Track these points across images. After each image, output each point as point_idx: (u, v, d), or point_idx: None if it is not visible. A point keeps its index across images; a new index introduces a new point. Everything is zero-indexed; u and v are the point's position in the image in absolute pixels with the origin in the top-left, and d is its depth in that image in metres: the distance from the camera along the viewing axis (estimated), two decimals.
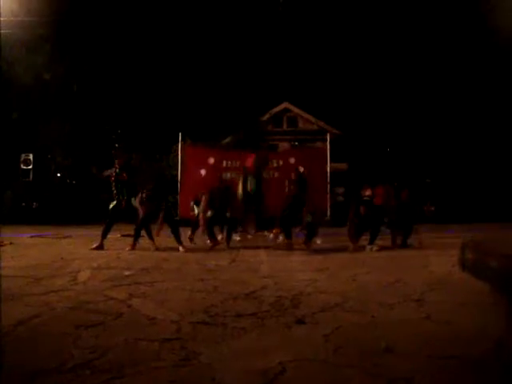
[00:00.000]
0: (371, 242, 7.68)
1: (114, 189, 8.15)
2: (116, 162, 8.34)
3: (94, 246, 7.77)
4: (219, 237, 8.80)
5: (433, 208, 21.16)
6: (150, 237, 8.00)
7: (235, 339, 2.64)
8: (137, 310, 3.36)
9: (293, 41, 26.18)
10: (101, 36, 21.12)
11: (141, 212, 8.02)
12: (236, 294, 3.89)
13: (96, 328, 2.84)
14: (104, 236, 7.92)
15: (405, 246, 8.23)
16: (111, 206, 8.15)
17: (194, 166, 12.40)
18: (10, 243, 8.47)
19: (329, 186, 11.75)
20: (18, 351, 2.45)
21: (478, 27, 20.42)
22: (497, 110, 22.12)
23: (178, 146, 12.96)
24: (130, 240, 8.10)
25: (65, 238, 10.50)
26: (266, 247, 8.16)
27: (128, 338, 2.62)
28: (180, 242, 7.87)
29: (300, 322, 2.98)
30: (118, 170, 8.20)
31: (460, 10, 22.13)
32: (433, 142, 22.46)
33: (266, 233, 9.86)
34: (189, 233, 9.18)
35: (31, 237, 10.53)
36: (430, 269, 5.57)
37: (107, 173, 8.09)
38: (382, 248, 7.68)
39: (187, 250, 7.72)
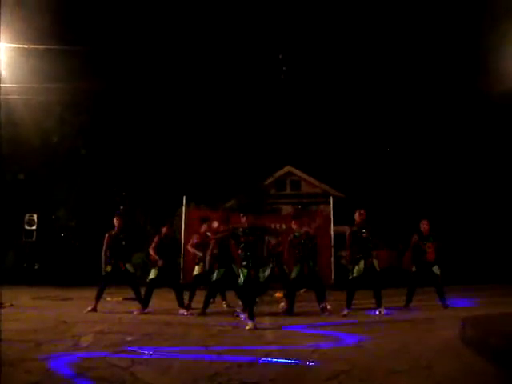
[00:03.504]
0: (379, 305, 7.58)
1: None
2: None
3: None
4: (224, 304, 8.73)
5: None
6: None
7: None
8: (139, 377, 3.29)
9: (295, 106, 26.88)
10: (108, 101, 21.84)
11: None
12: (240, 360, 3.81)
13: None
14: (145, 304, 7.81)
15: (406, 306, 8.16)
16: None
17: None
18: (11, 305, 8.37)
19: (333, 249, 11.72)
20: None
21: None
22: (495, 172, 22.34)
23: (181, 209, 13.06)
24: (132, 303, 8.03)
25: (67, 300, 10.36)
26: (270, 312, 7.99)
27: None
28: (183, 306, 7.76)
29: None
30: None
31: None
32: (435, 204, 22.48)
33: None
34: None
35: (32, 298, 10.40)
36: (436, 333, 5.44)
37: None
38: (389, 312, 7.51)
39: (190, 313, 7.56)
